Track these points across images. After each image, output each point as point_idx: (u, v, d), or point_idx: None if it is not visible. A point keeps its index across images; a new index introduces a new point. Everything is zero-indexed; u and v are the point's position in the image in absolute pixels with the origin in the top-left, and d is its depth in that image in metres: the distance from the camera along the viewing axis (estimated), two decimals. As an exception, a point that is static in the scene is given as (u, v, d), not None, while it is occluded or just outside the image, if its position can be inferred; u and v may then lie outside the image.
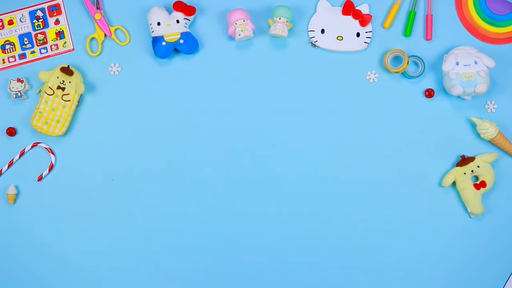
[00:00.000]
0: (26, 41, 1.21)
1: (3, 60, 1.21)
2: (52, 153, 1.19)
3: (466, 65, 1.14)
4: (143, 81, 1.21)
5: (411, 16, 1.21)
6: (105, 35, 1.21)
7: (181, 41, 1.18)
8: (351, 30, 1.21)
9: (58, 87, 1.17)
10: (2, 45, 1.21)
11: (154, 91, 1.21)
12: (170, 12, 1.19)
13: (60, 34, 1.22)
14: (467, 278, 1.17)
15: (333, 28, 1.21)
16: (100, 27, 1.21)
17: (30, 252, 1.17)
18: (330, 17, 1.21)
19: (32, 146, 1.19)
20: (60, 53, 1.21)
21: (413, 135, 1.19)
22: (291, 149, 1.19)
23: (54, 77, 1.16)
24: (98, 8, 1.21)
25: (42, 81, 1.17)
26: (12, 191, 1.17)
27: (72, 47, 1.22)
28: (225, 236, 1.17)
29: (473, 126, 1.18)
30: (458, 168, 1.16)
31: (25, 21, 1.22)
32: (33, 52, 1.21)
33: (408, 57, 1.18)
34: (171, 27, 1.17)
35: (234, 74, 1.21)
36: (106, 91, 1.21)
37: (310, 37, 1.21)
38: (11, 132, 1.19)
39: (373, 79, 1.20)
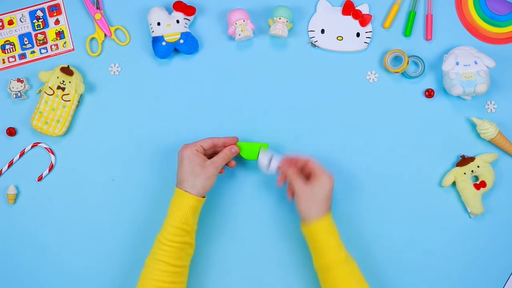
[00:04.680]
0: (26, 41, 1.21)
1: (3, 60, 1.21)
2: (52, 153, 1.19)
3: (466, 65, 1.14)
4: (143, 81, 1.21)
5: (411, 16, 1.21)
6: (105, 35, 1.21)
7: (181, 41, 1.18)
8: (351, 30, 1.21)
9: (58, 87, 1.17)
10: (2, 45, 1.21)
11: (154, 91, 1.21)
12: (170, 12, 1.19)
13: (60, 34, 1.22)
14: (467, 278, 1.17)
15: (333, 28, 1.21)
16: (100, 27, 1.21)
17: (30, 252, 1.17)
18: (330, 17, 1.21)
19: (32, 146, 1.19)
20: (60, 53, 1.21)
21: (413, 135, 1.19)
22: (291, 149, 1.19)
23: (54, 77, 1.16)
24: (98, 8, 1.21)
25: (42, 81, 1.17)
26: (12, 191, 1.17)
27: (72, 47, 1.22)
28: (228, 236, 1.17)
29: (473, 126, 1.18)
30: (458, 168, 1.16)
31: (25, 21, 1.22)
32: (33, 52, 1.21)
33: (408, 57, 1.18)
34: (171, 27, 1.17)
35: (234, 74, 1.21)
36: (106, 91, 1.21)
37: (310, 37, 1.21)
38: (11, 132, 1.19)
39: (373, 79, 1.20)
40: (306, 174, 1.11)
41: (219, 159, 1.09)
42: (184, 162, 1.07)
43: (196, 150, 1.08)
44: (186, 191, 1.05)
